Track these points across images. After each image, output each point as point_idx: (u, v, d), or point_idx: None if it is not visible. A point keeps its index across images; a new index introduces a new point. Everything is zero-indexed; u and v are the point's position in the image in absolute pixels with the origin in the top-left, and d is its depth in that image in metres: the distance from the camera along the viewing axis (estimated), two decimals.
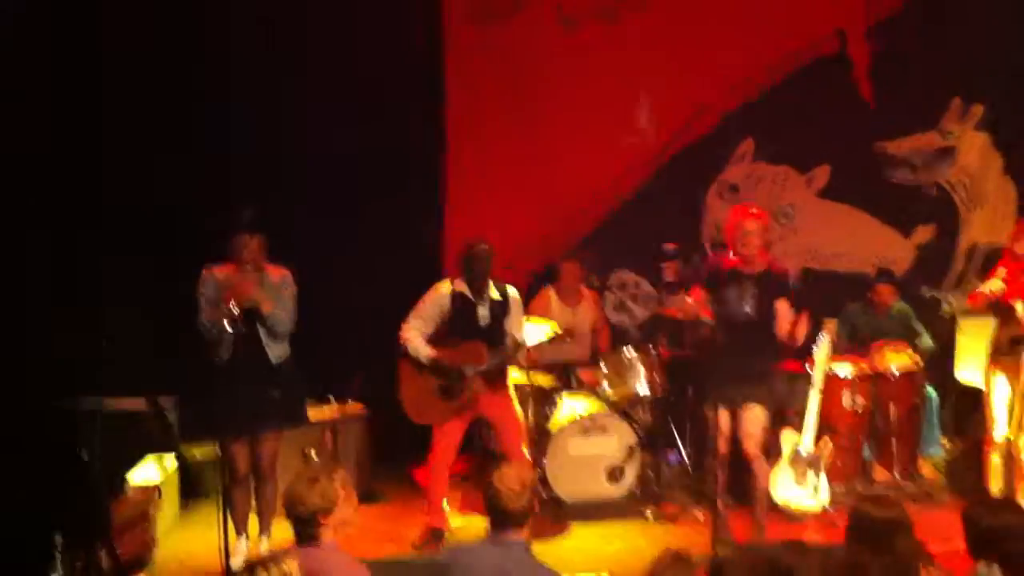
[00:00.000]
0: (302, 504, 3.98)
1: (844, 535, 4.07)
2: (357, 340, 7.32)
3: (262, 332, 5.73)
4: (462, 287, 6.08)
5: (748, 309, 5.92)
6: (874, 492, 6.71)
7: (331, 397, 7.10)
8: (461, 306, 6.07)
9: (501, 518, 4.12)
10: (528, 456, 6.22)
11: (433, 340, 6.11)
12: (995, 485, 6.15)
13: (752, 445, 5.97)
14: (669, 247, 7.49)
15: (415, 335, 6.04)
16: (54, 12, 6.87)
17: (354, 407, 7.14)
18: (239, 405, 5.63)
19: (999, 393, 6.16)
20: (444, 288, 6.11)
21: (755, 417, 5.95)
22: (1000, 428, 6.13)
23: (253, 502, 5.98)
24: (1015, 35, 7.98)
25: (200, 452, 6.89)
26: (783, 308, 5.94)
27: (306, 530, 4.01)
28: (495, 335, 6.10)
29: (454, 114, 8.42)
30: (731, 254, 6.04)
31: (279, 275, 5.83)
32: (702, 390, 6.14)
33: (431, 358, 6.00)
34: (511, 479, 4.10)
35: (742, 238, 5.93)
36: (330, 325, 7.14)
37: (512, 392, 6.34)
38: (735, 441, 6.00)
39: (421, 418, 6.15)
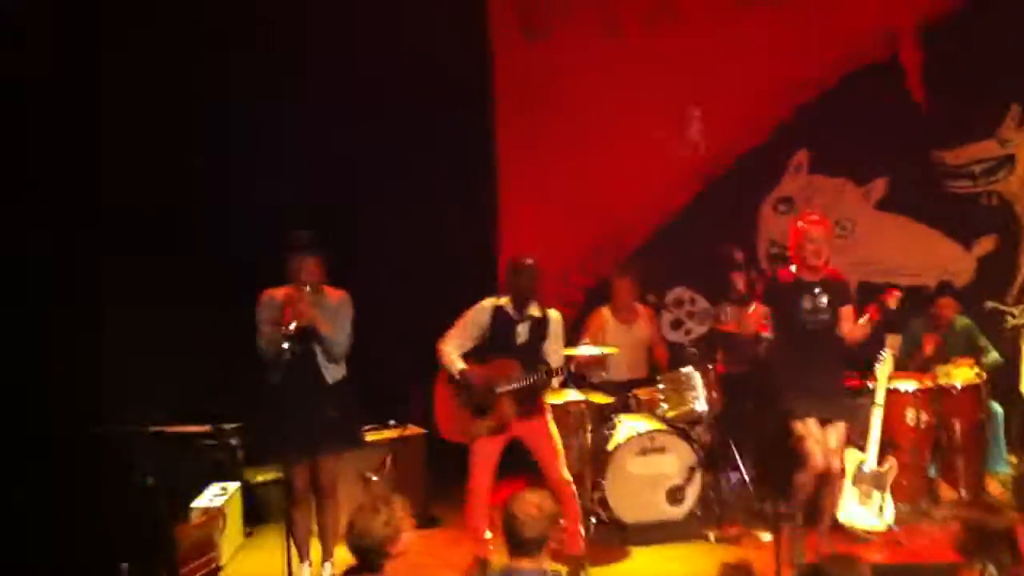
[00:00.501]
0: (368, 536, 3.96)
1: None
2: (415, 362, 7.33)
3: (318, 352, 5.76)
4: (505, 303, 6.05)
5: (825, 317, 5.88)
6: (942, 511, 6.64)
7: (391, 420, 7.11)
8: (500, 322, 6.00)
9: (516, 544, 4.07)
10: (569, 480, 6.05)
11: (471, 355, 6.07)
12: None
13: (837, 462, 5.92)
14: (738, 256, 7.42)
15: (450, 349, 5.99)
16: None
17: (413, 429, 7.15)
18: (297, 427, 5.65)
19: None
20: (486, 303, 6.05)
21: (841, 434, 5.92)
22: None
23: (315, 526, 6.00)
24: None
25: (263, 476, 6.94)
26: (847, 312, 5.93)
27: (371, 561, 4.01)
28: (531, 355, 5.98)
29: (504, 130, 8.46)
30: (792, 267, 5.98)
31: (338, 296, 5.87)
32: (777, 404, 6.01)
33: (460, 372, 5.95)
34: (528, 504, 4.05)
35: (809, 247, 5.88)
36: (389, 347, 7.17)
37: (549, 416, 6.17)
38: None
39: (450, 434, 6.07)
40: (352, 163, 7.78)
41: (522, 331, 5.97)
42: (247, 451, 6.80)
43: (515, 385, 5.89)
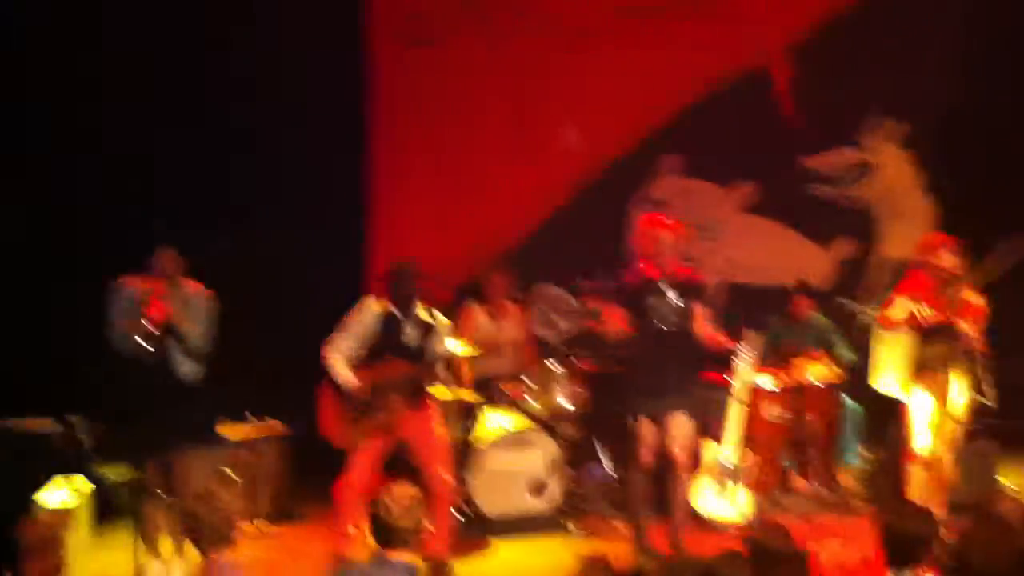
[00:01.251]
0: (206, 524, 3.95)
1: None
2: (279, 358, 7.24)
3: (176, 349, 5.64)
4: (389, 306, 6.01)
5: (675, 316, 5.93)
6: (797, 503, 6.77)
7: (249, 415, 6.98)
8: (388, 325, 5.99)
9: (386, 537, 4.04)
10: (450, 480, 6.04)
11: (359, 358, 6.03)
12: (917, 498, 6.17)
13: (680, 452, 5.97)
14: (585, 283, 7.52)
15: (337, 357, 5.92)
16: None
17: (273, 425, 7.03)
18: (152, 424, 5.54)
19: (920, 407, 6.19)
20: (371, 306, 6.01)
21: (680, 424, 5.96)
22: (922, 441, 6.16)
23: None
24: (934, 53, 8.14)
25: (114, 473, 6.74)
26: (699, 310, 5.99)
27: (210, 547, 3.98)
28: (419, 355, 6.00)
29: (380, 130, 8.39)
30: (641, 265, 6.04)
31: (196, 290, 5.75)
32: (625, 402, 6.10)
33: (348, 380, 5.88)
34: (400, 496, 4.03)
35: (656, 248, 5.94)
36: (250, 343, 7.06)
37: (436, 412, 6.17)
38: (658, 453, 5.99)
39: (341, 441, 6.02)
40: (224, 163, 7.65)
41: (410, 333, 5.96)
42: (97, 446, 6.60)
43: (403, 387, 5.88)
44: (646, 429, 5.97)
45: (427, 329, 6.01)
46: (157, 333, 5.47)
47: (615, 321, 6.05)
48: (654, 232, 5.97)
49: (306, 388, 6.36)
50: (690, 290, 5.99)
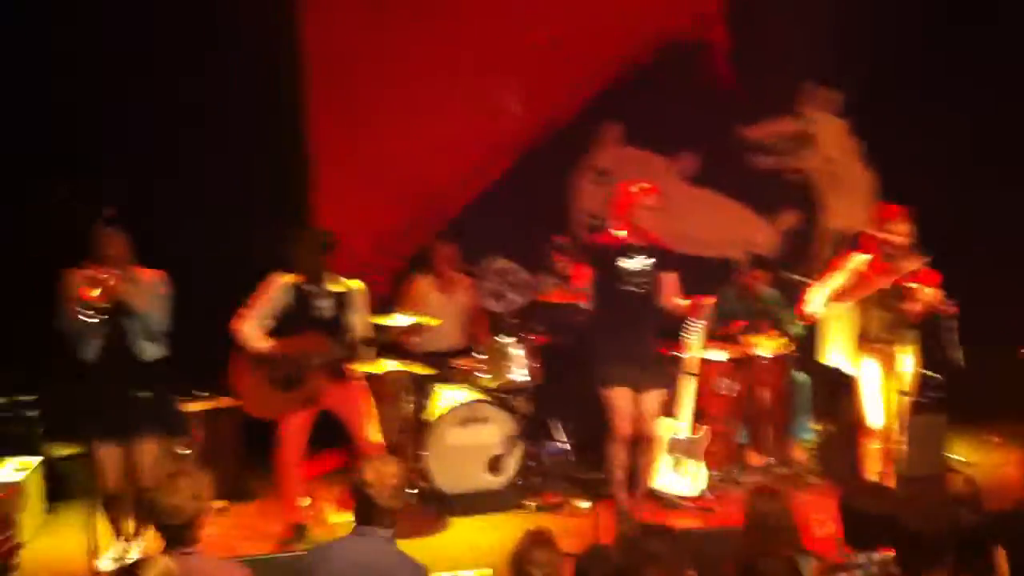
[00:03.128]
0: (179, 513, 3.85)
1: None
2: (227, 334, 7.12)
3: (133, 331, 5.53)
4: (299, 279, 5.92)
5: (644, 280, 5.98)
6: (751, 477, 6.90)
7: (202, 391, 6.84)
8: (300, 297, 5.91)
9: (368, 513, 4.04)
10: (379, 444, 6.09)
11: (273, 333, 5.94)
12: (872, 472, 6.32)
13: (654, 430, 6.03)
14: (561, 240, 7.50)
15: (248, 327, 5.86)
16: None
17: (225, 401, 6.89)
18: (107, 407, 5.47)
19: (870, 379, 6.31)
20: (280, 279, 5.94)
21: (655, 400, 6.04)
22: (873, 414, 6.30)
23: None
24: (872, 21, 8.21)
25: (66, 451, 6.58)
26: (671, 279, 6.04)
27: (179, 537, 3.88)
28: (336, 328, 5.95)
29: (317, 100, 8.19)
30: (617, 231, 6.04)
31: (151, 275, 5.65)
32: (595, 371, 6.12)
33: (267, 349, 5.82)
34: (383, 474, 4.01)
35: (639, 212, 5.97)
36: (200, 319, 6.92)
37: (360, 384, 6.18)
38: (635, 422, 6.08)
39: (261, 412, 5.99)
40: (158, 133, 7.42)
41: (324, 305, 5.89)
42: (48, 425, 6.43)
43: (322, 358, 5.83)
44: (621, 399, 6.01)
45: (341, 299, 5.93)
46: (109, 314, 5.35)
47: (582, 280, 6.07)
48: (640, 198, 6.02)
49: None
50: (660, 257, 6.04)
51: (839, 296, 6.32)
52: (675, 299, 6.11)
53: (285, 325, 5.91)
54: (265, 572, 4.52)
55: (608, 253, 6.04)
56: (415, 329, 6.50)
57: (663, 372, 6.14)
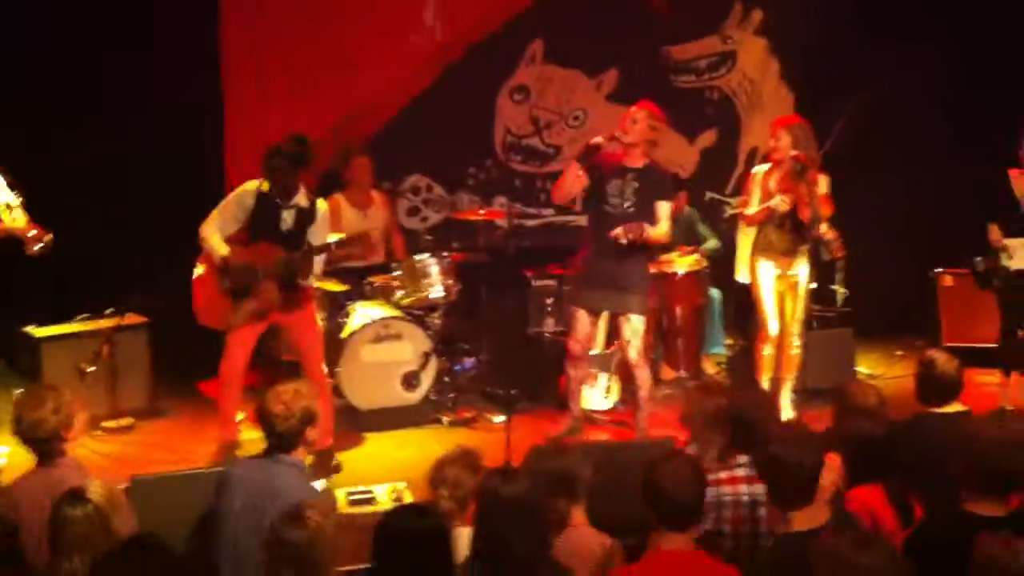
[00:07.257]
0: (41, 427, 4.00)
1: None
2: (137, 252, 6.99)
3: None
4: (268, 188, 5.80)
5: (628, 206, 5.89)
6: (663, 391, 6.96)
7: (110, 310, 6.70)
8: (265, 207, 5.78)
9: (270, 439, 4.03)
10: (326, 374, 6.03)
11: (233, 240, 5.82)
12: (765, 377, 6.40)
13: (635, 352, 6.00)
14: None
15: (212, 232, 5.73)
16: None
17: (133, 318, 6.76)
18: None
19: (766, 282, 6.31)
20: (250, 186, 5.81)
21: (638, 326, 5.99)
22: (772, 320, 6.32)
23: None
24: None
25: None
26: (664, 209, 5.96)
27: (48, 449, 4.04)
28: (296, 242, 5.82)
29: (229, 12, 7.93)
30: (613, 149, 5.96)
31: None
32: (570, 292, 6.11)
33: (223, 257, 5.71)
34: (279, 402, 3.98)
35: (626, 125, 5.91)
36: (107, 238, 6.82)
37: (314, 305, 6.11)
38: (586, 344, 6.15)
39: (209, 320, 5.87)
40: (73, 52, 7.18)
41: (287, 217, 5.78)
42: None
43: (275, 270, 5.72)
44: (576, 319, 6.03)
45: (307, 217, 5.84)
46: None
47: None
48: (632, 112, 5.96)
49: (165, 282, 6.22)
50: (654, 178, 5.97)
51: (750, 219, 6.35)
52: (664, 229, 5.97)
53: (247, 233, 5.78)
54: (190, 486, 4.51)
55: (600, 172, 5.95)
56: (362, 240, 6.34)
57: (645, 296, 6.05)
